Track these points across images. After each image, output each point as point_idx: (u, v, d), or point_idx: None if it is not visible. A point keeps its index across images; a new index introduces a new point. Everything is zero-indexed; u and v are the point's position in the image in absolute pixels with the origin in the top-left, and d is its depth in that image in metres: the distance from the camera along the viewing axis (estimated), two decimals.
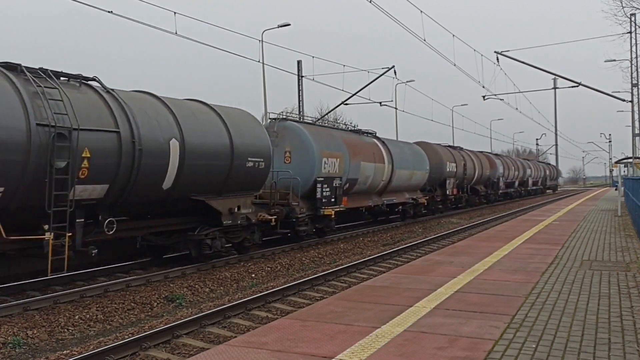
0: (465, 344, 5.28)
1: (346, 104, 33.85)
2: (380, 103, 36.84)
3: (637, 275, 8.85)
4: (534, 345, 5.26)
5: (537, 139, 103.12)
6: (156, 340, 7.73)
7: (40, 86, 9.47)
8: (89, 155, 9.85)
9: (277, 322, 6.36)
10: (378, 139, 23.55)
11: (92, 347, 7.64)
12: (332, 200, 17.95)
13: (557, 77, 50.05)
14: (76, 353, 7.34)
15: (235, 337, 7.02)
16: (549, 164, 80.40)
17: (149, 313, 9.91)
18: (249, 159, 13.85)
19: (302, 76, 35.00)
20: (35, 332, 8.34)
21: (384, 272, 11.42)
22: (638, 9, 25.03)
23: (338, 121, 53.10)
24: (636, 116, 32.00)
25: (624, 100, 31.05)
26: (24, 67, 9.73)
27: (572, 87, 28.27)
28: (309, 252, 16.56)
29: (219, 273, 12.84)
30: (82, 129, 9.69)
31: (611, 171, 76.62)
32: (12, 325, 8.41)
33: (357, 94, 32.79)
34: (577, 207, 28.59)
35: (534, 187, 60.38)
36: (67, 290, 10.43)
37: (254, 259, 14.87)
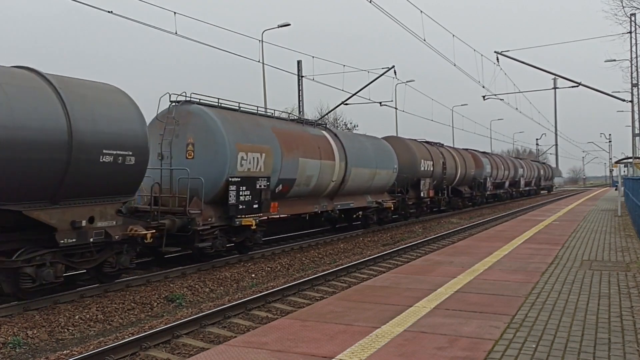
0: (465, 344, 5.28)
1: (346, 104, 33.86)
2: (380, 103, 36.81)
3: (637, 275, 8.85)
4: (534, 345, 5.26)
5: (537, 139, 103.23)
6: (156, 340, 7.73)
7: None
8: None
9: (277, 322, 6.36)
10: (329, 131, 19.82)
11: (92, 347, 7.64)
12: (255, 206, 14.10)
13: (557, 77, 50.04)
14: (76, 353, 7.34)
15: (235, 337, 7.02)
16: (544, 163, 75.90)
17: (149, 313, 9.91)
18: (105, 151, 10.03)
19: (302, 76, 34.99)
20: (35, 332, 8.34)
21: (384, 272, 11.42)
22: (638, 8, 25.04)
23: (338, 121, 53.21)
24: (636, 116, 32.03)
25: (624, 100, 31.07)
26: None
27: (572, 87, 28.27)
28: (309, 252, 16.56)
29: (219, 273, 12.84)
30: None
31: (611, 171, 76.60)
32: (12, 325, 8.41)
33: (357, 94, 32.78)
34: (577, 207, 28.59)
35: (527, 188, 56.94)
36: (67, 291, 10.42)
37: (254, 259, 14.87)
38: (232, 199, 13.38)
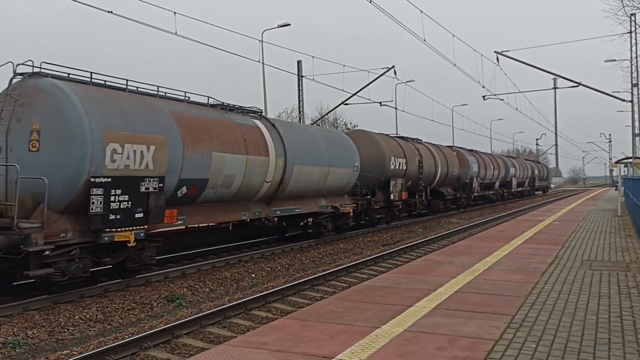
0: (465, 344, 5.28)
1: (346, 104, 33.87)
2: (380, 103, 36.82)
3: (637, 275, 8.85)
4: (534, 345, 5.26)
5: (537, 139, 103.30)
6: (156, 340, 7.73)
7: None
8: None
9: (277, 322, 6.36)
10: (265, 120, 15.88)
11: (92, 347, 7.64)
12: (138, 215, 10.59)
13: (557, 77, 50.06)
14: (76, 353, 7.34)
15: (235, 337, 7.02)
16: (539, 162, 71.23)
17: (149, 313, 9.91)
18: None
19: (302, 76, 34.98)
20: (35, 332, 8.35)
21: (384, 272, 11.43)
22: (638, 8, 25.04)
23: (338, 121, 53.25)
24: (636, 116, 32.02)
25: (624, 100, 31.08)
26: None
27: (572, 87, 28.29)
28: (309, 252, 16.56)
29: (219, 273, 12.84)
30: None
31: (611, 171, 76.57)
32: (12, 325, 8.42)
33: (357, 94, 32.80)
34: (577, 207, 28.59)
35: (520, 189, 53.00)
36: (67, 291, 10.42)
37: (254, 259, 14.87)
38: (95, 207, 9.76)
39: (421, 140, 29.60)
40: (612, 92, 31.91)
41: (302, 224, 18.57)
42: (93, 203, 9.78)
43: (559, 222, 19.37)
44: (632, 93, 31.40)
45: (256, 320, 9.08)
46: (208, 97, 13.86)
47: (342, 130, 31.34)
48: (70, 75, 10.54)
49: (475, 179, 35.58)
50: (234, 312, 9.31)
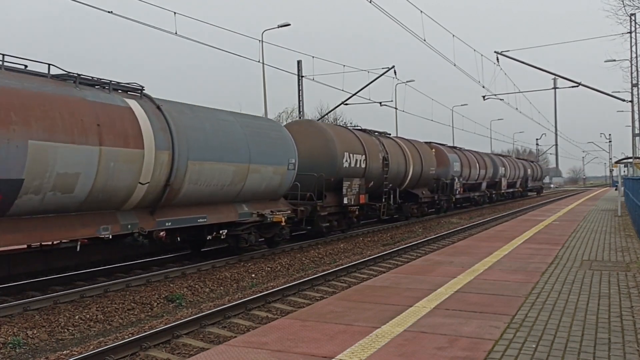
0: (465, 344, 5.28)
1: (346, 104, 33.91)
2: (380, 103, 36.88)
3: (637, 275, 8.85)
4: (534, 345, 5.26)
5: (537, 139, 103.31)
6: (156, 340, 7.73)
7: None
8: None
9: (277, 322, 6.36)
10: (148, 100, 11.91)
11: (92, 347, 7.64)
12: None
13: (557, 77, 50.08)
14: (76, 353, 7.34)
15: (235, 337, 7.02)
16: (532, 161, 66.72)
17: (149, 313, 9.91)
18: None
19: (302, 76, 35.00)
20: (35, 332, 8.35)
21: (384, 272, 11.43)
22: (638, 8, 25.04)
23: (338, 121, 53.25)
24: (636, 116, 32.06)
25: (624, 100, 31.12)
26: None
27: (572, 87, 28.30)
28: (309, 252, 16.56)
29: (219, 273, 12.84)
30: None
31: (611, 171, 76.57)
32: (12, 325, 8.42)
33: (357, 94, 32.85)
34: (577, 207, 28.60)
35: (510, 190, 48.85)
36: (67, 291, 10.42)
37: (254, 259, 14.87)
38: None
39: (390, 134, 26.14)
40: (612, 92, 31.95)
41: (210, 237, 13.98)
42: None
43: (559, 222, 19.37)
44: (632, 93, 31.45)
45: (256, 320, 9.08)
46: (50, 64, 10.19)
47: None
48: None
49: (457, 179, 31.68)
50: (234, 312, 9.31)
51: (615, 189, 43.86)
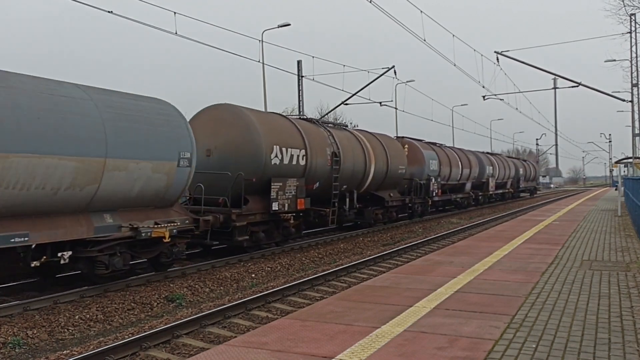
0: (465, 344, 5.28)
1: (346, 104, 33.92)
2: (380, 103, 36.88)
3: (637, 275, 8.85)
4: (534, 345, 5.26)
5: (537, 139, 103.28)
6: (156, 340, 7.73)
7: None
8: None
9: (277, 322, 6.36)
10: None
11: (92, 347, 7.64)
12: None
13: (557, 77, 50.10)
14: (76, 353, 7.35)
15: (235, 337, 7.02)
16: (525, 160, 62.12)
17: (149, 313, 9.92)
18: None
19: (302, 76, 35.01)
20: (35, 332, 8.35)
21: (384, 272, 11.43)
22: (638, 8, 25.06)
23: (338, 121, 53.29)
24: (636, 116, 32.08)
25: (624, 100, 31.12)
26: None
27: (572, 87, 28.31)
28: (309, 252, 16.56)
29: (219, 273, 12.84)
30: None
31: (611, 171, 76.57)
32: (12, 325, 8.42)
33: (357, 94, 32.85)
34: (577, 207, 28.60)
35: (500, 191, 44.26)
36: (67, 291, 10.42)
37: (254, 259, 14.86)
38: None
39: (346, 126, 22.94)
40: (612, 92, 31.95)
41: (37, 263, 9.58)
42: None
43: (559, 222, 19.37)
44: (632, 93, 31.46)
45: (256, 320, 9.08)
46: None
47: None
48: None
49: (434, 180, 27.85)
50: (234, 312, 9.31)
51: (615, 189, 43.87)
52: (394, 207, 24.15)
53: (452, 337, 5.50)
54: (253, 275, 13.14)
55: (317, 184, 17.63)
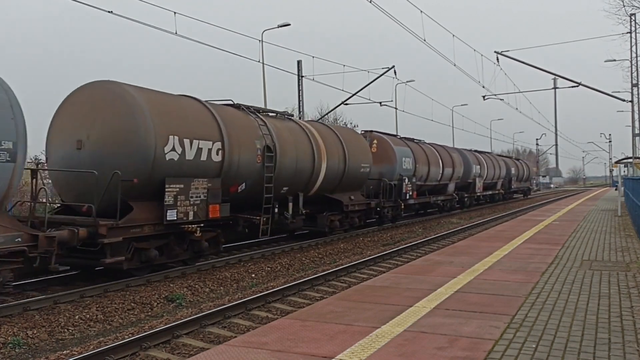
0: (465, 344, 5.28)
1: (346, 104, 33.94)
2: (380, 103, 36.88)
3: (637, 275, 8.85)
4: (534, 345, 5.26)
5: (537, 139, 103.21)
6: (156, 340, 7.73)
7: None
8: None
9: (277, 322, 6.36)
10: None
11: (92, 347, 7.64)
12: None
13: (557, 77, 50.11)
14: (76, 353, 7.34)
15: (235, 337, 7.02)
16: (518, 159, 58.03)
17: (149, 313, 9.91)
18: None
19: (302, 76, 35.00)
20: (35, 332, 8.35)
21: (384, 272, 11.43)
22: (638, 8, 25.07)
23: (338, 121, 53.27)
24: (636, 116, 32.07)
25: (624, 100, 31.14)
26: None
27: (572, 87, 28.33)
28: (309, 252, 16.56)
29: (219, 273, 12.84)
30: None
31: (611, 171, 76.57)
32: (12, 325, 8.42)
33: (357, 94, 32.87)
34: (577, 207, 28.60)
35: (488, 193, 40.57)
36: (67, 291, 10.42)
37: (253, 259, 14.87)
38: None
39: (292, 116, 19.95)
40: (612, 92, 31.98)
41: None
42: None
43: (559, 222, 19.37)
44: (632, 93, 31.46)
45: (256, 320, 9.08)
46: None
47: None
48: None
49: (407, 180, 24.16)
50: (234, 312, 9.31)
51: (615, 189, 43.87)
52: (355, 212, 20.34)
53: (452, 337, 5.50)
54: (253, 275, 13.14)
55: (244, 185, 14.26)
